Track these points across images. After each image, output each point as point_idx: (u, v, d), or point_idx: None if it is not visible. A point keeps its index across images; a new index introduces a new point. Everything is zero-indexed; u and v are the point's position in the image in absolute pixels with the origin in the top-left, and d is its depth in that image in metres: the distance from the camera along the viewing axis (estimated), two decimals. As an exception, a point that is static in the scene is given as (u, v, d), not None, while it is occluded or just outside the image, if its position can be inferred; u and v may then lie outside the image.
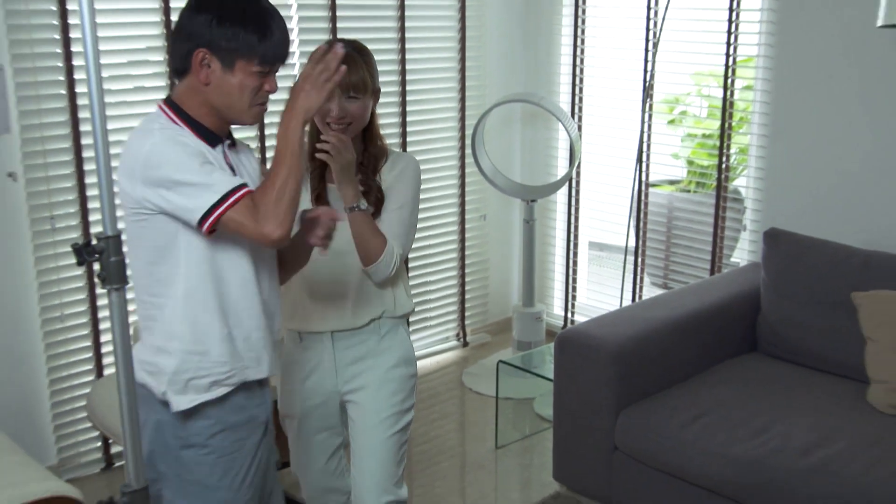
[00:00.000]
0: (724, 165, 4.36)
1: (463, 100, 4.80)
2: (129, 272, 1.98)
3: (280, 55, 2.11)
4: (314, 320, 2.64)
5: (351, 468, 2.75)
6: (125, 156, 2.07)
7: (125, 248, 1.98)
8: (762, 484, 2.97)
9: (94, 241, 1.93)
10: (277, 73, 2.15)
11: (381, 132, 2.67)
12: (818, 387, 3.45)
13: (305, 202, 2.56)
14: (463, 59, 4.75)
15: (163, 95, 3.63)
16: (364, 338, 2.67)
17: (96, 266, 1.90)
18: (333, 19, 4.20)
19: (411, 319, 4.80)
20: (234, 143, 2.23)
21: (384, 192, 2.62)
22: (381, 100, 2.75)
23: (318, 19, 4.17)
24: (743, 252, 4.43)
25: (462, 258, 5.01)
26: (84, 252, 1.93)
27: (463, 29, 4.72)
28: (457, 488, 3.74)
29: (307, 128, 2.32)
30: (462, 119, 4.81)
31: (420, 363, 4.83)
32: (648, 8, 4.45)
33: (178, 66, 2.11)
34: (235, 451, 2.21)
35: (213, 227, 2.01)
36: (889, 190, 3.76)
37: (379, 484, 2.67)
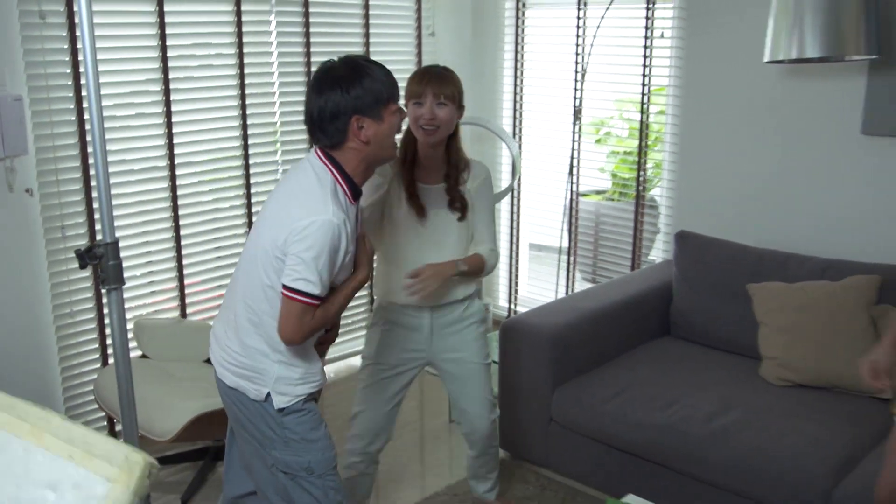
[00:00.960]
0: (641, 178, 4.37)
1: (419, 123, 4.80)
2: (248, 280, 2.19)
3: (395, 85, 2.19)
4: (403, 293, 2.74)
5: (459, 407, 2.97)
6: (293, 204, 2.14)
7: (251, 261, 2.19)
8: (674, 447, 3.00)
9: (95, 248, 1.93)
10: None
11: (462, 149, 2.78)
12: (720, 364, 3.47)
13: (399, 200, 2.69)
14: (419, 88, 4.76)
15: (160, 121, 3.68)
16: (453, 308, 2.83)
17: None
18: (308, 55, 4.19)
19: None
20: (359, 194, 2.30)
21: (469, 199, 2.74)
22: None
23: (294, 64, 4.16)
24: (658, 251, 4.46)
25: (420, 259, 5.00)
26: (86, 256, 1.94)
27: (419, 63, 4.71)
28: (417, 457, 3.72)
29: (400, 134, 2.42)
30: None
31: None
32: (577, 45, 4.46)
33: (336, 141, 2.16)
34: (318, 410, 2.33)
35: (283, 297, 2.13)
36: (776, 198, 3.79)
37: (489, 409, 2.94)
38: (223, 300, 2.38)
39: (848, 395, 3.17)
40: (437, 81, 2.60)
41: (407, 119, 2.52)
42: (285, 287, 2.12)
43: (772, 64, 3.52)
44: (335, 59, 2.21)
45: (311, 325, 2.15)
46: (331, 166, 2.18)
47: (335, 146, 2.17)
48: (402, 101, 2.33)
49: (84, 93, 3.40)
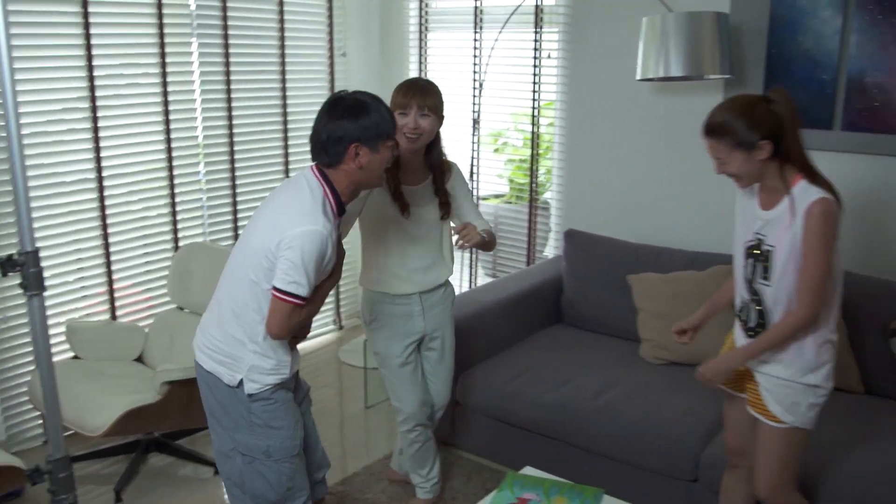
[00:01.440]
0: (534, 183, 4.47)
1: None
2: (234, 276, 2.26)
3: (394, 125, 2.26)
4: (406, 286, 2.86)
5: (429, 383, 3.02)
6: (287, 213, 2.18)
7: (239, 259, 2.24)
8: (566, 422, 3.07)
9: (15, 256, 1.90)
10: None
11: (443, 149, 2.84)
12: (605, 347, 3.56)
13: (385, 200, 2.77)
14: (332, 104, 4.78)
15: (88, 136, 3.63)
16: (437, 291, 2.93)
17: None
18: (228, 73, 4.19)
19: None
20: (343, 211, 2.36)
21: (451, 194, 2.84)
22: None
23: (215, 82, 4.14)
24: (550, 248, 4.51)
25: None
26: (6, 265, 1.90)
27: (332, 80, 4.74)
28: (337, 441, 3.73)
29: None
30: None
31: (304, 344, 4.85)
32: (474, 64, 4.54)
33: (334, 161, 2.22)
34: (289, 401, 2.35)
35: (274, 297, 2.17)
36: (650, 198, 3.91)
37: (449, 386, 3.06)
38: (214, 294, 2.40)
39: (714, 370, 3.32)
40: (421, 94, 2.66)
41: None
42: (277, 289, 2.16)
43: (643, 81, 3.67)
44: (348, 90, 2.29)
45: (296, 321, 2.21)
46: (324, 183, 2.24)
47: (331, 165, 2.24)
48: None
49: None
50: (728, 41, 3.29)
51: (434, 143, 2.78)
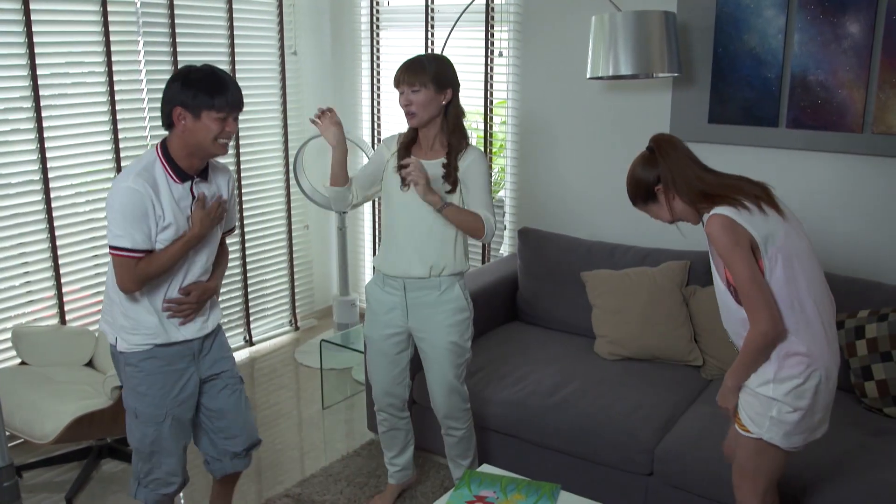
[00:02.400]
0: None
1: (286, 134, 4.78)
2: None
3: (231, 103, 2.34)
4: (390, 266, 2.78)
5: (427, 383, 2.94)
6: (124, 168, 2.37)
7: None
8: (524, 419, 3.08)
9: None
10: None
11: (462, 129, 2.76)
12: (561, 343, 3.57)
13: (393, 172, 2.78)
14: (284, 103, 4.73)
15: (32, 136, 3.55)
16: (428, 290, 2.76)
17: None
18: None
19: (252, 310, 4.77)
20: (206, 177, 2.46)
21: (460, 175, 2.71)
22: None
23: (163, 81, 4.07)
24: (505, 246, 4.52)
25: (291, 259, 4.97)
26: None
27: (283, 79, 4.71)
28: (295, 443, 3.71)
29: (227, 139, 2.41)
30: (286, 149, 4.78)
31: (260, 346, 4.83)
32: (427, 61, 4.56)
33: (165, 122, 2.37)
34: (160, 372, 2.47)
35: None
36: (602, 195, 3.94)
37: (446, 391, 2.90)
38: None
39: (666, 364, 3.36)
40: (408, 72, 2.67)
41: None
42: (109, 246, 2.33)
43: (593, 80, 3.71)
44: (201, 65, 2.40)
45: (138, 273, 2.32)
46: (159, 150, 2.38)
47: (167, 128, 2.38)
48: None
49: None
50: (676, 40, 3.33)
51: (449, 121, 2.74)
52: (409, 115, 2.71)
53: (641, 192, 2.30)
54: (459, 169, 2.73)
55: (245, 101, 2.41)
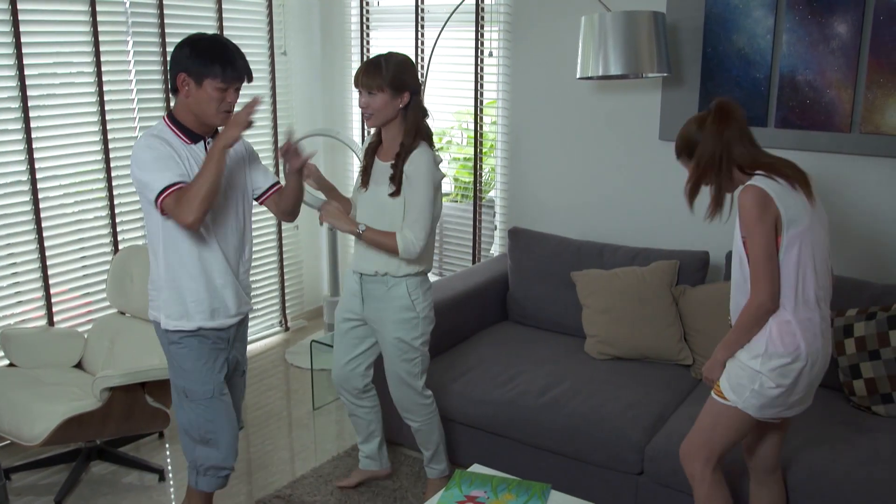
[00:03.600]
0: (479, 182, 4.49)
1: (276, 134, 4.77)
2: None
3: (233, 74, 2.36)
4: (352, 259, 2.96)
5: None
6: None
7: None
8: (514, 419, 3.08)
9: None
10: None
11: (420, 131, 2.77)
12: (551, 343, 3.57)
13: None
14: (275, 104, 4.72)
15: (19, 137, 3.53)
16: (377, 285, 2.87)
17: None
18: (165, 73, 4.09)
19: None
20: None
21: (405, 178, 2.75)
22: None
23: (152, 81, 4.06)
24: (496, 245, 4.52)
25: (281, 260, 4.96)
26: None
27: (273, 80, 4.70)
28: (285, 444, 3.70)
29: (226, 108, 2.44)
30: (276, 149, 4.76)
31: (250, 346, 4.80)
32: (416, 61, 4.55)
33: (172, 87, 2.41)
34: (202, 349, 2.53)
35: (162, 209, 2.34)
36: (592, 195, 3.95)
37: (396, 384, 2.98)
38: None
39: (656, 363, 3.37)
40: (365, 75, 2.70)
41: None
42: (155, 201, 2.33)
43: (583, 80, 3.71)
44: (211, 34, 2.45)
45: (191, 198, 2.29)
46: (165, 116, 2.45)
47: (173, 92, 2.42)
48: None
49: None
50: (665, 40, 3.34)
51: (403, 124, 2.75)
52: (367, 118, 2.76)
53: (687, 148, 2.37)
54: (407, 171, 2.75)
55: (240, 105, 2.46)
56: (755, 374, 2.27)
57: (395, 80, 2.69)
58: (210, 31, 4.25)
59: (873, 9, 3.11)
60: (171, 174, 2.34)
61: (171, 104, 2.47)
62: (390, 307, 2.87)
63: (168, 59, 4.00)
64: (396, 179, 2.74)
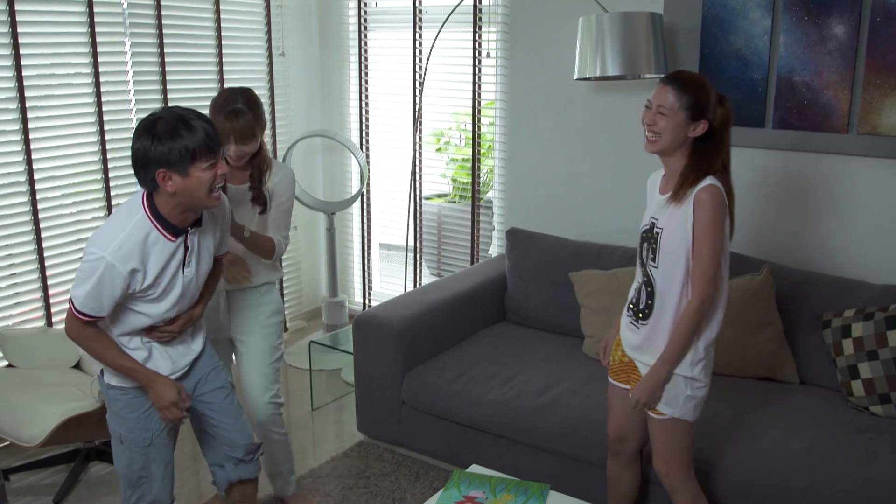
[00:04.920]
0: (477, 182, 4.50)
1: (274, 135, 4.77)
2: None
3: (213, 145, 2.13)
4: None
5: (241, 388, 2.94)
6: (104, 226, 2.19)
7: None
8: (511, 419, 3.08)
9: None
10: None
11: (265, 155, 2.82)
12: (549, 343, 3.58)
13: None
14: (273, 104, 4.74)
15: (17, 138, 3.54)
16: (249, 294, 2.92)
17: None
18: (164, 73, 4.11)
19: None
20: (199, 222, 2.30)
21: (270, 194, 2.80)
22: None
23: (150, 82, 4.07)
24: (494, 246, 4.53)
25: (280, 261, 4.97)
26: None
27: (271, 80, 4.71)
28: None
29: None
30: (274, 151, 4.77)
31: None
32: (415, 63, 4.55)
33: (149, 187, 2.15)
34: (141, 396, 2.39)
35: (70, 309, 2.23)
36: (590, 196, 3.96)
37: (262, 393, 2.93)
38: None
39: (654, 364, 3.38)
40: (241, 139, 2.65)
41: None
42: (71, 299, 2.23)
43: (581, 81, 3.72)
44: (160, 110, 2.20)
45: (85, 336, 2.25)
46: (146, 206, 2.20)
47: (151, 190, 2.18)
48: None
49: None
50: (662, 41, 3.36)
51: (259, 155, 2.80)
52: (236, 162, 2.72)
53: (696, 101, 2.24)
54: (269, 187, 2.81)
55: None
56: (686, 380, 2.31)
57: (263, 120, 2.76)
58: (208, 34, 4.30)
59: (870, 10, 3.13)
60: (100, 306, 2.19)
61: (145, 195, 2.22)
62: (263, 312, 2.93)
63: (164, 61, 4.06)
64: (261, 199, 2.79)
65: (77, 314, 2.22)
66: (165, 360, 2.42)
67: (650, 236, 2.34)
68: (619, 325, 2.55)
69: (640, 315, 2.38)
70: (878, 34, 3.13)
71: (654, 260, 2.32)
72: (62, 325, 3.83)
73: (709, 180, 2.24)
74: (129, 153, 3.96)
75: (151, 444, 2.43)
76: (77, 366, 3.56)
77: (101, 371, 2.42)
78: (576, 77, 3.45)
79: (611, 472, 2.70)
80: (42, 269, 3.72)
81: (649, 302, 2.35)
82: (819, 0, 3.21)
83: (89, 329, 2.26)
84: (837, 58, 3.22)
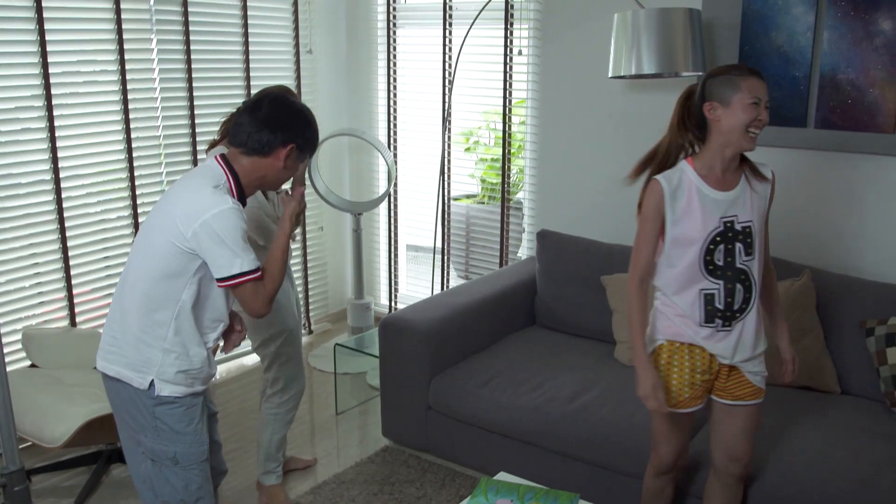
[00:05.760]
0: (507, 183, 4.47)
1: (300, 135, 4.77)
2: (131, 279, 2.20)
3: (313, 149, 2.34)
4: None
5: None
6: (188, 199, 2.14)
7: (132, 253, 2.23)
8: (541, 426, 3.05)
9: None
10: None
11: None
12: (580, 349, 3.54)
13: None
14: (299, 102, 4.74)
15: (44, 136, 3.55)
16: None
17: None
18: (189, 71, 4.12)
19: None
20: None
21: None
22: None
23: (176, 80, 4.08)
24: (524, 248, 4.51)
25: (305, 262, 4.97)
26: None
27: (298, 78, 4.71)
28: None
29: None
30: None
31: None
32: (444, 61, 4.53)
33: (259, 149, 2.21)
34: (196, 405, 2.29)
35: (228, 286, 2.16)
36: (623, 197, 3.87)
37: None
38: (115, 296, 2.30)
39: (689, 371, 3.33)
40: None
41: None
42: (225, 279, 2.14)
43: (615, 79, 3.68)
44: (291, 94, 2.40)
45: (266, 291, 2.22)
46: (226, 169, 2.22)
47: (254, 153, 2.22)
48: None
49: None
50: (700, 38, 3.29)
51: None
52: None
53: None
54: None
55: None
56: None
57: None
58: (235, 31, 4.30)
59: (919, 5, 3.04)
60: (253, 257, 2.17)
61: (227, 155, 2.26)
62: None
63: (190, 58, 4.06)
64: None
65: (251, 276, 2.15)
66: (213, 367, 2.35)
67: (733, 235, 2.28)
68: (674, 359, 2.40)
69: (737, 315, 2.32)
70: (927, 30, 3.04)
71: (749, 254, 2.29)
72: (85, 326, 3.84)
73: (747, 158, 2.35)
74: (154, 151, 4.00)
75: (206, 459, 2.32)
76: (100, 366, 3.56)
77: (151, 384, 2.21)
78: (610, 75, 3.40)
79: (655, 487, 2.62)
80: (66, 269, 3.74)
81: (747, 296, 2.30)
82: (865, -5, 3.13)
83: (265, 282, 2.22)
84: (885, 55, 3.13)
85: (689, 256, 2.31)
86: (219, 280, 2.16)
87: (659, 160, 2.44)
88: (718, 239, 2.28)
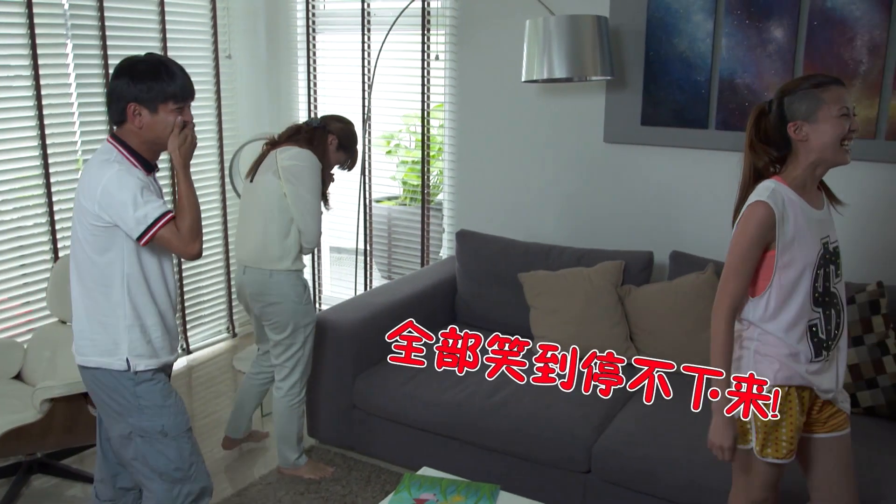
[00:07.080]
0: (427, 185, 4.50)
1: (221, 139, 4.71)
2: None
3: (187, 92, 2.29)
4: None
5: None
6: (86, 179, 2.23)
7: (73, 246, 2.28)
8: (462, 421, 3.09)
9: None
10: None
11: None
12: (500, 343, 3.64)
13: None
14: (219, 108, 4.66)
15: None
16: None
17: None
18: (107, 76, 4.01)
19: (189, 318, 4.69)
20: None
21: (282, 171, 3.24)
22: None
23: (93, 85, 3.98)
24: (445, 249, 4.54)
25: (227, 265, 4.90)
26: None
27: (218, 84, 4.64)
28: (234, 453, 3.64)
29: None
30: (221, 154, 4.72)
31: (197, 354, 4.76)
32: (363, 66, 4.53)
33: (117, 119, 2.28)
34: (168, 382, 2.42)
35: (149, 240, 2.22)
36: (538, 197, 3.99)
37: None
38: (72, 299, 2.37)
39: (603, 363, 3.41)
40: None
41: None
42: (142, 235, 2.21)
43: (529, 83, 3.75)
44: (144, 54, 2.33)
45: (185, 227, 2.25)
46: (116, 143, 2.29)
47: (118, 124, 2.29)
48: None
49: None
50: (608, 43, 3.39)
51: None
52: None
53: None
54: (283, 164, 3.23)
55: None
56: None
57: None
58: (153, 35, 4.23)
59: (808, 13, 3.20)
60: (161, 203, 2.23)
61: (116, 131, 2.30)
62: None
63: (107, 63, 3.97)
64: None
65: (164, 221, 2.21)
66: (175, 328, 2.44)
67: (829, 258, 2.07)
68: (786, 406, 2.08)
69: (832, 343, 2.10)
70: (815, 37, 3.20)
71: (838, 276, 2.09)
72: (2, 335, 3.72)
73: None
74: (72, 157, 3.90)
75: (190, 427, 2.42)
76: (18, 376, 3.46)
77: (127, 362, 2.30)
78: (523, 79, 3.47)
79: None
80: (-19, 277, 3.62)
81: (838, 321, 2.10)
82: (759, 4, 3.27)
83: (176, 223, 2.24)
84: (777, 60, 3.28)
85: (804, 284, 2.04)
86: (138, 239, 2.22)
87: (748, 186, 2.15)
88: (822, 262, 2.06)
